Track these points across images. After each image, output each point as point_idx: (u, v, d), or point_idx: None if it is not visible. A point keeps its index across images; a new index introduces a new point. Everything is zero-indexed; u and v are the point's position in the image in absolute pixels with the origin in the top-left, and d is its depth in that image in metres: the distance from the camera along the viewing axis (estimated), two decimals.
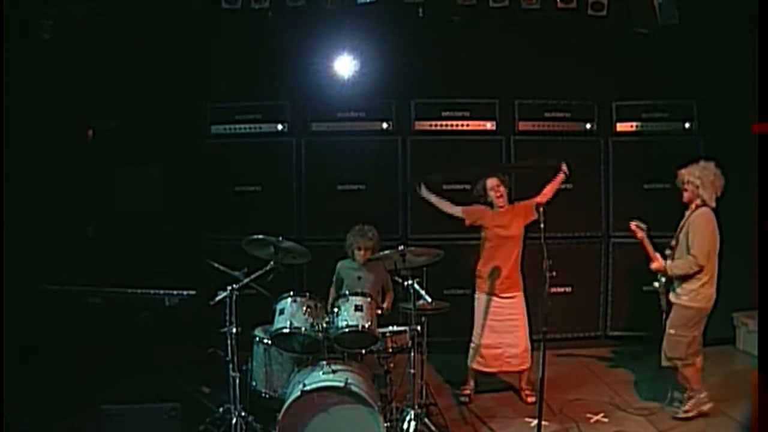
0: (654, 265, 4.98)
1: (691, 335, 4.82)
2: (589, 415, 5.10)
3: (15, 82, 5.65)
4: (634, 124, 6.92)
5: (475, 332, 5.44)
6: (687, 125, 6.87)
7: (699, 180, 4.83)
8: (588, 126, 6.93)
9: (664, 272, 4.92)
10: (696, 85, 6.72)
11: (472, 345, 5.46)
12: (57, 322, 4.94)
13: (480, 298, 5.43)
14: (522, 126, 6.89)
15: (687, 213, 4.93)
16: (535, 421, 4.53)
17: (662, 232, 6.75)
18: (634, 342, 6.79)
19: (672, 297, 4.91)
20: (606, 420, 5.04)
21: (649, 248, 5.00)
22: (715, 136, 6.58)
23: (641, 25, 6.29)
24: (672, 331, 4.86)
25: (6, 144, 5.53)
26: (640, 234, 5.03)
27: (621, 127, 6.93)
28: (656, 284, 5.01)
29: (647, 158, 6.82)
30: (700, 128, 6.83)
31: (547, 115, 6.91)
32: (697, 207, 4.86)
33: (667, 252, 4.99)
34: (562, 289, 6.59)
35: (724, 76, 6.38)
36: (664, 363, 4.92)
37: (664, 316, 4.97)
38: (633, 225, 5.09)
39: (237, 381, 4.45)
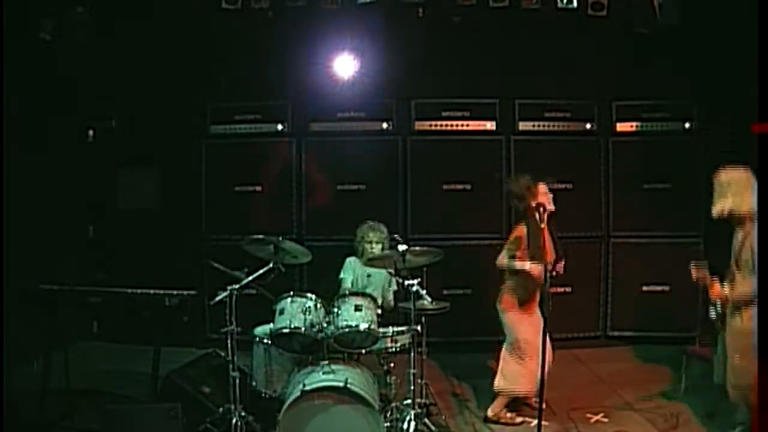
0: (714, 294, 4.29)
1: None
2: (589, 415, 5.10)
3: (15, 82, 5.65)
4: (634, 124, 6.92)
5: (529, 354, 4.89)
6: (687, 125, 6.87)
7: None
8: (588, 126, 6.93)
9: (724, 300, 4.24)
10: (696, 85, 6.73)
11: (522, 367, 4.93)
12: (57, 322, 4.93)
13: (514, 316, 4.95)
14: (522, 126, 6.90)
15: (744, 228, 4.23)
16: (535, 421, 4.53)
17: (662, 233, 6.84)
18: (633, 342, 6.81)
19: (735, 322, 4.21)
20: (606, 420, 5.04)
21: (709, 280, 4.33)
22: (715, 136, 6.58)
23: (641, 25, 6.28)
24: (737, 359, 4.19)
25: (6, 144, 5.53)
26: (702, 275, 4.36)
27: (621, 127, 6.93)
28: (713, 314, 4.36)
29: (647, 158, 6.83)
30: (700, 128, 6.83)
31: (547, 115, 6.91)
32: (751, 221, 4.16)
33: (727, 280, 4.29)
34: (562, 289, 6.59)
35: (724, 76, 6.38)
36: (733, 396, 4.28)
37: (720, 344, 4.39)
38: (694, 269, 4.40)
39: (237, 381, 4.44)
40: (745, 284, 4.15)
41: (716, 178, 4.33)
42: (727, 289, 4.25)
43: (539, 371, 4.70)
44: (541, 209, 4.72)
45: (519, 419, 4.99)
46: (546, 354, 4.57)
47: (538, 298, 4.98)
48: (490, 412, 5.03)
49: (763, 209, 3.94)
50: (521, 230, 4.91)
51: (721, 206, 4.27)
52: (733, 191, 4.24)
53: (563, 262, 4.93)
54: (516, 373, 4.95)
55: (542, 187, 4.92)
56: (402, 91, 6.88)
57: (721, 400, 4.85)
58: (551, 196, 4.93)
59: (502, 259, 4.94)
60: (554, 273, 4.72)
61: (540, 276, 4.69)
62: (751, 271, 4.11)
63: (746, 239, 4.18)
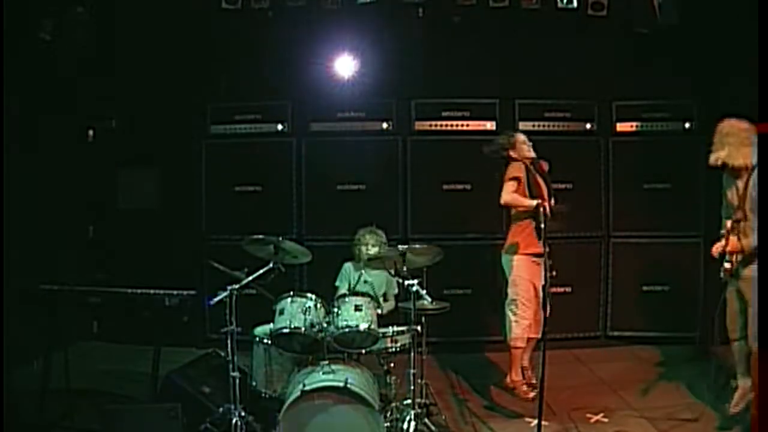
0: (732, 248, 4.35)
1: None
2: (589, 415, 5.09)
3: (15, 82, 5.65)
4: (634, 124, 6.92)
5: (524, 302, 5.07)
6: (687, 125, 6.86)
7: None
8: (588, 126, 6.93)
9: (739, 252, 4.29)
10: (696, 85, 6.72)
11: (520, 316, 5.08)
12: (57, 322, 4.93)
13: (524, 260, 5.08)
14: (522, 126, 6.85)
15: (745, 178, 4.33)
16: (535, 421, 4.53)
17: (662, 233, 6.84)
18: (633, 342, 6.81)
19: (747, 272, 4.29)
20: (606, 420, 5.03)
21: (726, 237, 4.41)
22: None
23: (641, 25, 6.28)
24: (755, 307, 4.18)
25: (6, 144, 5.54)
26: (720, 244, 4.48)
27: (621, 127, 6.92)
28: (728, 266, 4.41)
29: (647, 158, 6.83)
30: (700, 128, 6.83)
31: (547, 115, 6.91)
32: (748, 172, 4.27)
33: (734, 233, 4.33)
34: (562, 289, 6.58)
35: (724, 76, 6.38)
36: (755, 346, 4.24)
37: (732, 299, 4.45)
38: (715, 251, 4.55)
39: (237, 381, 4.44)
40: (752, 234, 4.20)
41: (718, 128, 4.42)
42: (738, 241, 4.30)
43: (537, 321, 5.00)
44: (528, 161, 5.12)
45: (532, 394, 5.07)
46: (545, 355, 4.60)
47: (541, 248, 4.94)
48: (507, 379, 5.17)
49: (764, 209, 3.95)
50: (519, 169, 5.08)
51: (716, 156, 4.35)
52: (731, 142, 4.29)
53: (554, 202, 5.16)
54: (509, 325, 5.14)
55: (520, 137, 5.26)
56: (402, 91, 6.88)
57: (722, 400, 4.88)
58: (530, 144, 5.25)
59: (509, 195, 5.03)
60: (553, 273, 4.74)
61: (538, 210, 4.87)
62: (755, 221, 4.14)
63: (746, 190, 4.21)
